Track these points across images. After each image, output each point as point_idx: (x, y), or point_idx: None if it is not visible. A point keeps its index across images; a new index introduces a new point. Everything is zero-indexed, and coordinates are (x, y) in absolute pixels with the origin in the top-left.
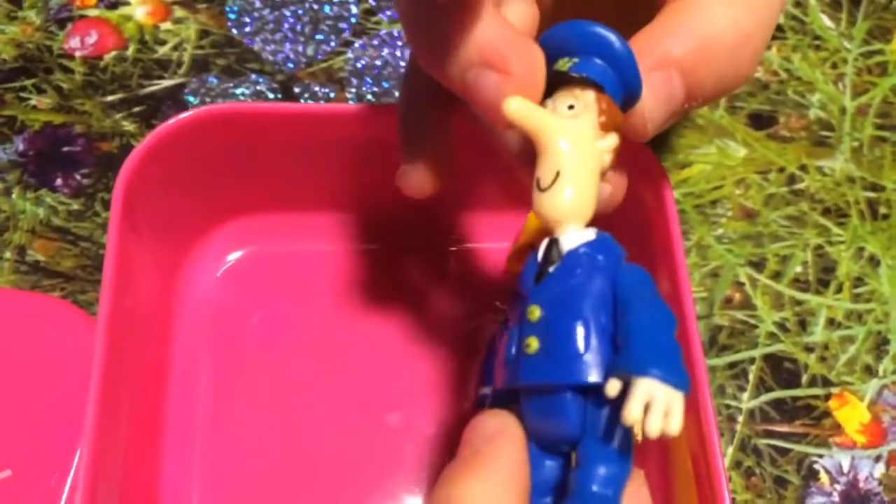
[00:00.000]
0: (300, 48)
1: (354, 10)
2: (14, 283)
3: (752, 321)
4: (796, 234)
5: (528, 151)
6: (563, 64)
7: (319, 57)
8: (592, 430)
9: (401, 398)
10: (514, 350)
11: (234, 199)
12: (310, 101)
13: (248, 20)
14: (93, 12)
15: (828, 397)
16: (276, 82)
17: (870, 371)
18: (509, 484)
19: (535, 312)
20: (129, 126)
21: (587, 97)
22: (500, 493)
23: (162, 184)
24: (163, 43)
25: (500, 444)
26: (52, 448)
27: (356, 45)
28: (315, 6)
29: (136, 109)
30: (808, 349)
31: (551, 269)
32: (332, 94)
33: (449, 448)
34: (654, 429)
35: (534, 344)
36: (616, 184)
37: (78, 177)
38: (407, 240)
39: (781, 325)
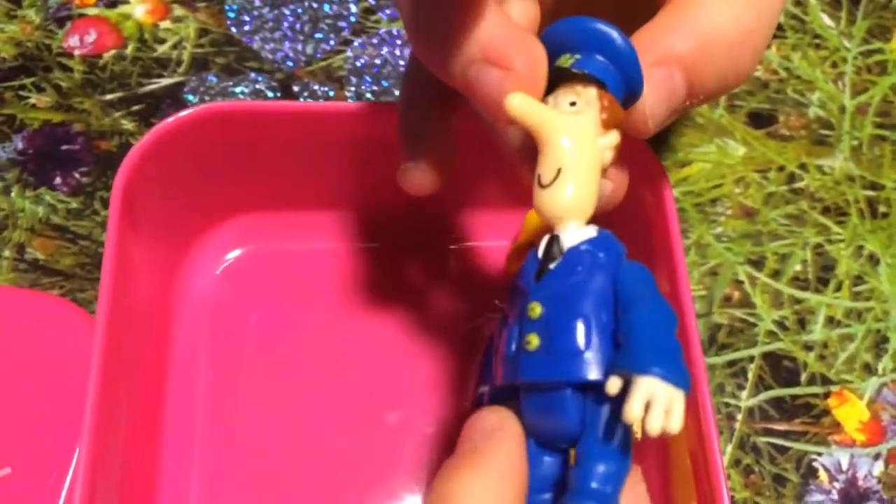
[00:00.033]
0: (299, 47)
1: (354, 8)
2: (13, 281)
3: (752, 319)
4: (796, 233)
5: (529, 148)
6: (565, 60)
7: (319, 55)
8: (592, 427)
9: (400, 397)
10: (514, 347)
11: (234, 197)
12: (309, 100)
13: (247, 19)
14: (92, 11)
15: (827, 395)
16: (276, 81)
17: (869, 369)
18: (507, 479)
19: (536, 309)
20: (128, 125)
21: (589, 94)
22: (497, 489)
23: (161, 182)
24: (162, 41)
25: (499, 439)
26: (52, 446)
27: (355, 43)
28: (314, 5)
29: (136, 108)
30: (808, 347)
31: (552, 266)
32: (331, 93)
33: (448, 446)
34: (654, 427)
35: (534, 341)
36: (617, 181)
37: (77, 175)
38: (406, 238)
39: (781, 324)
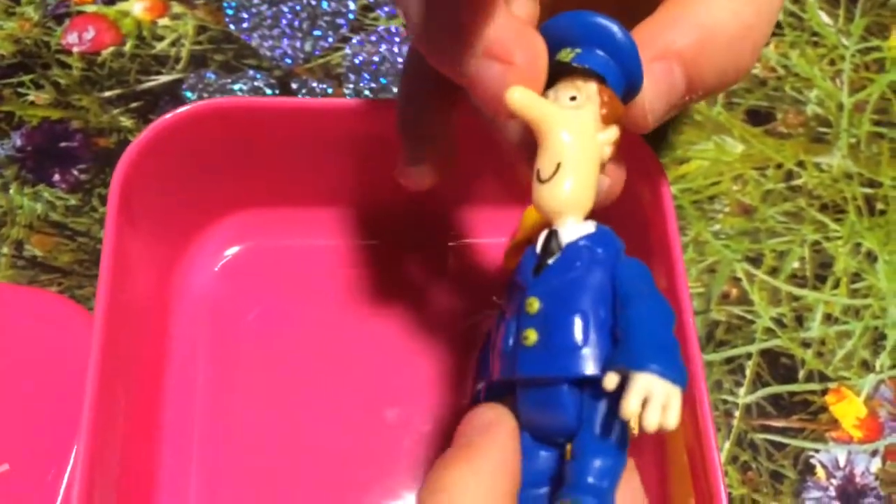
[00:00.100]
0: (298, 44)
1: (352, 5)
2: (11, 277)
3: (749, 316)
4: (794, 230)
5: (528, 143)
6: (566, 55)
7: (317, 53)
8: (589, 422)
9: (399, 394)
10: (511, 342)
11: (232, 193)
12: (307, 97)
13: (245, 16)
14: (90, 8)
15: (824, 392)
16: (274, 78)
17: (867, 366)
18: (499, 474)
19: (534, 305)
20: (126, 122)
21: (589, 88)
22: (489, 483)
23: (159, 178)
24: (160, 39)
25: (493, 435)
26: (50, 443)
27: (354, 41)
28: (313, 2)
29: (134, 105)
30: (805, 344)
31: (550, 262)
32: (329, 90)
33: (446, 443)
34: (651, 423)
35: (532, 336)
36: (615, 176)
37: (75, 172)
38: (405, 235)
39: (778, 321)
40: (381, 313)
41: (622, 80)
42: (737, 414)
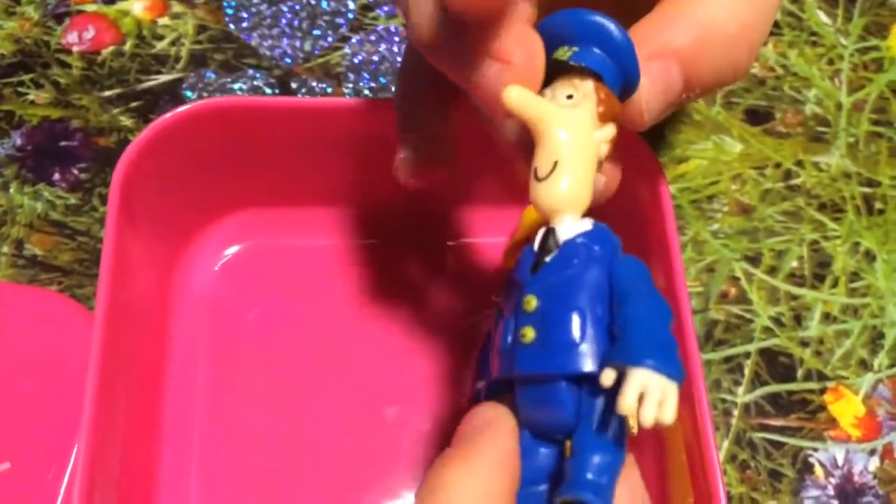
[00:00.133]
0: (297, 43)
1: (351, 5)
2: (12, 277)
3: (748, 316)
4: (792, 230)
5: (526, 142)
6: (563, 53)
7: (317, 52)
8: (587, 419)
9: (398, 393)
10: (509, 340)
11: (232, 193)
12: (307, 96)
13: (245, 15)
14: (90, 7)
15: (823, 391)
16: (274, 77)
17: (865, 365)
18: (497, 473)
19: (532, 302)
20: (126, 121)
21: (586, 87)
22: (487, 482)
23: (159, 178)
24: (160, 38)
25: (491, 433)
26: (50, 441)
27: (353, 40)
28: (312, 1)
29: (134, 104)
30: (804, 343)
31: (548, 259)
32: (329, 90)
33: (446, 443)
34: (648, 418)
35: (530, 334)
36: (610, 175)
37: (75, 171)
38: (404, 235)
39: (777, 320)
40: (380, 312)
41: (619, 78)
42: (735, 413)
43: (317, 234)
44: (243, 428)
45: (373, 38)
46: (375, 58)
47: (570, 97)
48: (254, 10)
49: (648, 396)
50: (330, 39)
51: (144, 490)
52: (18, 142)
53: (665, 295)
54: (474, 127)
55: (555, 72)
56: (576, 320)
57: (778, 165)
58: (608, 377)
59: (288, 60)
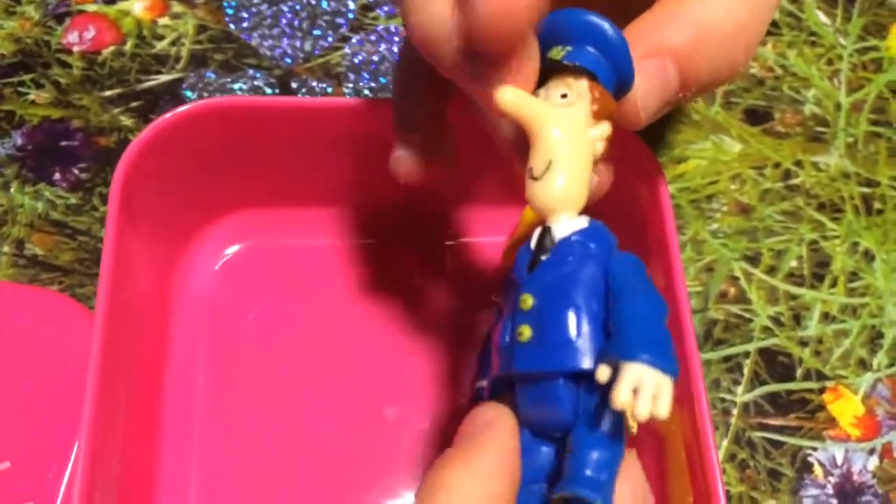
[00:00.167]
0: (297, 43)
1: (352, 5)
2: (12, 276)
3: (747, 315)
4: (791, 229)
5: (522, 140)
6: (557, 52)
7: (317, 52)
8: (585, 415)
9: (398, 392)
10: (507, 338)
11: (232, 193)
12: (307, 97)
13: (245, 15)
14: (91, 7)
15: (822, 391)
16: (274, 77)
17: (864, 365)
18: (497, 473)
19: (528, 301)
20: (126, 121)
21: (580, 86)
22: (486, 482)
23: (159, 178)
24: (161, 38)
25: (492, 433)
26: (51, 440)
27: (353, 40)
28: (312, 1)
29: (134, 104)
30: (803, 343)
31: (544, 258)
32: (329, 90)
33: (445, 442)
34: (642, 412)
35: (526, 332)
36: (603, 174)
37: (76, 171)
38: (404, 234)
39: (776, 320)
40: (380, 312)
41: (613, 76)
42: (735, 412)
43: (317, 233)
44: (243, 427)
45: (373, 38)
46: (375, 58)
47: (564, 96)
48: (254, 10)
49: (642, 390)
50: (330, 39)
51: (144, 488)
52: (19, 141)
53: (664, 294)
54: (474, 127)
55: (549, 71)
56: (572, 317)
57: (777, 165)
58: (603, 373)
59: (288, 60)
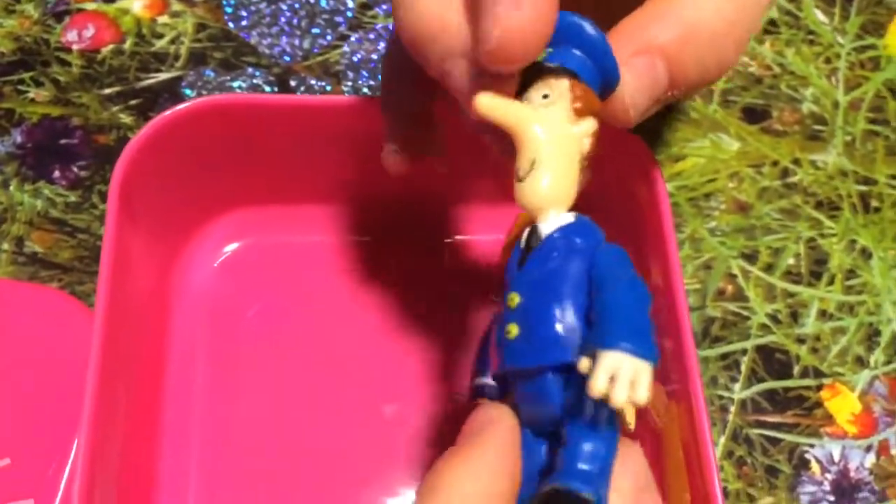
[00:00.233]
0: (296, 42)
1: (350, 3)
2: (12, 274)
3: (745, 313)
4: (789, 227)
5: (509, 142)
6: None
7: (316, 50)
8: (576, 409)
9: (396, 390)
10: (500, 337)
11: (231, 190)
12: (306, 95)
13: (244, 14)
14: (90, 6)
15: (819, 388)
16: (273, 75)
17: (861, 362)
18: (497, 473)
19: (515, 299)
20: (126, 119)
21: (561, 85)
22: (486, 482)
23: (158, 175)
24: (160, 36)
25: (491, 432)
26: (51, 438)
27: (352, 38)
28: (311, 0)
29: (134, 102)
30: (800, 340)
31: (530, 256)
32: (328, 88)
33: (443, 441)
34: (619, 398)
35: (514, 330)
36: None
37: (75, 169)
38: (403, 232)
39: (774, 317)
40: (378, 309)
41: (598, 76)
42: (732, 409)
43: (316, 231)
44: (242, 424)
45: (372, 36)
46: (374, 56)
47: (546, 97)
48: (253, 8)
49: (619, 377)
50: (329, 38)
51: (144, 484)
52: (18, 139)
53: (662, 292)
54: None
55: (533, 74)
56: (556, 312)
57: (775, 163)
58: (584, 364)
59: (287, 58)
